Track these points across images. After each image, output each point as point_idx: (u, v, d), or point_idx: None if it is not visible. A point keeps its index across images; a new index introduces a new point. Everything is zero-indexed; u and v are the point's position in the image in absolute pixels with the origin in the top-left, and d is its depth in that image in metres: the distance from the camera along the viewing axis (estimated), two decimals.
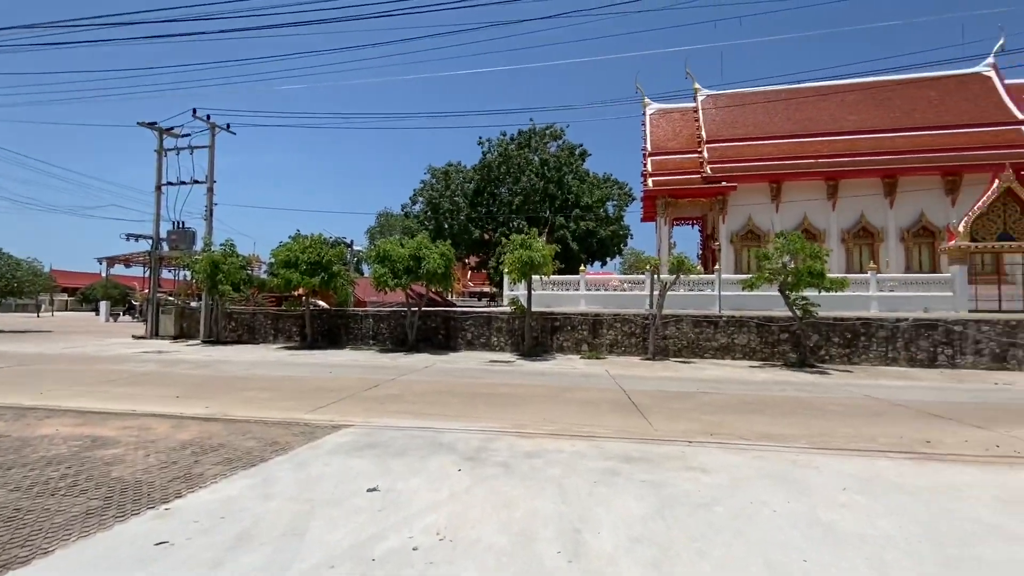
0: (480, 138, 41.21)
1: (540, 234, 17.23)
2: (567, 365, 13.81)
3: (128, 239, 21.23)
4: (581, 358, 15.81)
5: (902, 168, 24.97)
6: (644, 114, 32.09)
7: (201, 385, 9.54)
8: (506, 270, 15.85)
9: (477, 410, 7.50)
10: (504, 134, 40.97)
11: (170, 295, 24.73)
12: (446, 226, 39.99)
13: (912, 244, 25.58)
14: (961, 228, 18.74)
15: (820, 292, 13.81)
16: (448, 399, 8.34)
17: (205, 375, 10.93)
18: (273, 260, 18.28)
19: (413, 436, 5.72)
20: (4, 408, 7.05)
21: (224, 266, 18.05)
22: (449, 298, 38.52)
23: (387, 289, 17.11)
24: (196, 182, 20.39)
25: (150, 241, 21.08)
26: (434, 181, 43.48)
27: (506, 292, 23.02)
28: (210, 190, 20.20)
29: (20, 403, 7.40)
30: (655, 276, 16.13)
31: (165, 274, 25.97)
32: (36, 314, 43.28)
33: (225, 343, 19.05)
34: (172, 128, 20.96)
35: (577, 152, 41.07)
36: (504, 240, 16.99)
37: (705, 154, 27.85)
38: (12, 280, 24.45)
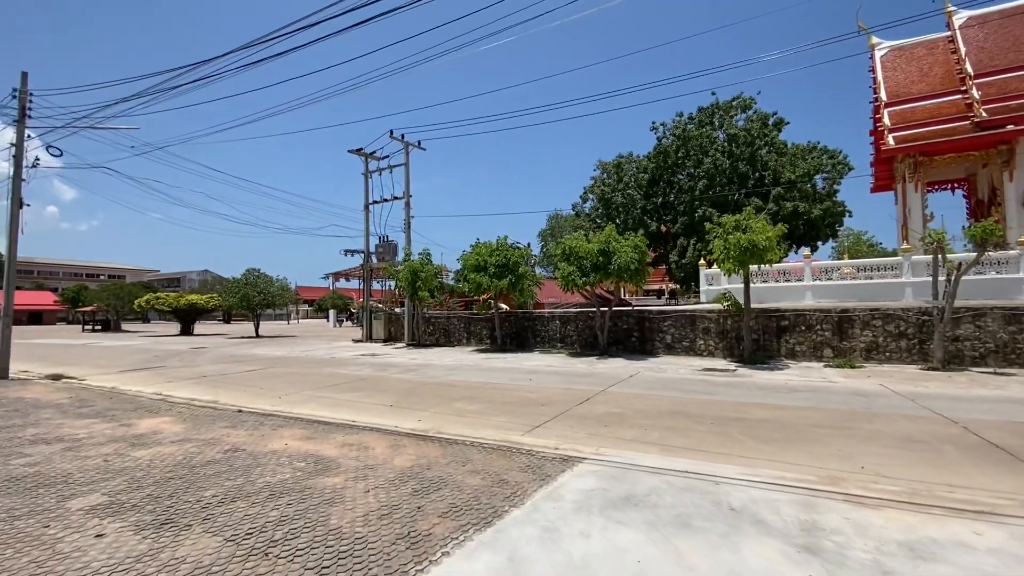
0: (654, 123, 38.08)
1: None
2: (815, 376, 10.75)
3: (346, 254, 24.01)
4: (825, 366, 12.41)
5: None
6: (872, 58, 25.59)
7: (411, 392, 9.34)
8: (718, 259, 13.24)
9: (742, 445, 5.53)
10: (681, 114, 37.23)
11: (379, 303, 27.53)
12: (618, 221, 37.69)
13: None
14: None
15: None
16: (688, 424, 6.50)
17: (413, 380, 10.91)
18: (462, 265, 18.56)
19: (680, 489, 4.07)
20: (250, 413, 7.42)
21: (422, 273, 18.92)
22: (624, 297, 36.22)
23: (575, 288, 15.92)
24: (396, 198, 22.04)
25: (363, 255, 23.47)
26: (605, 176, 41.65)
27: (705, 287, 20.06)
28: (407, 204, 21.61)
29: (263, 408, 7.80)
30: (942, 255, 11.79)
31: (375, 284, 29.11)
32: (287, 322, 53.47)
33: (425, 346, 20.04)
34: (374, 152, 23.07)
35: (771, 122, 35.17)
36: (709, 226, 14.38)
37: (975, 93, 20.86)
38: (268, 295, 29.92)
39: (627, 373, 11.46)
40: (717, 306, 14.71)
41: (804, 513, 3.54)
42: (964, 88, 21.34)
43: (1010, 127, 19.15)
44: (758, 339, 14.12)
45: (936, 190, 25.85)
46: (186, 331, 34.72)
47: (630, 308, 18.52)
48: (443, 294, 21.95)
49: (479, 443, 5.55)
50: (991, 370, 11.13)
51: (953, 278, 11.42)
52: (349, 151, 23.30)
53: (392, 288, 29.90)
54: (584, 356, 15.42)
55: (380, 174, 22.68)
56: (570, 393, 8.85)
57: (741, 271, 13.33)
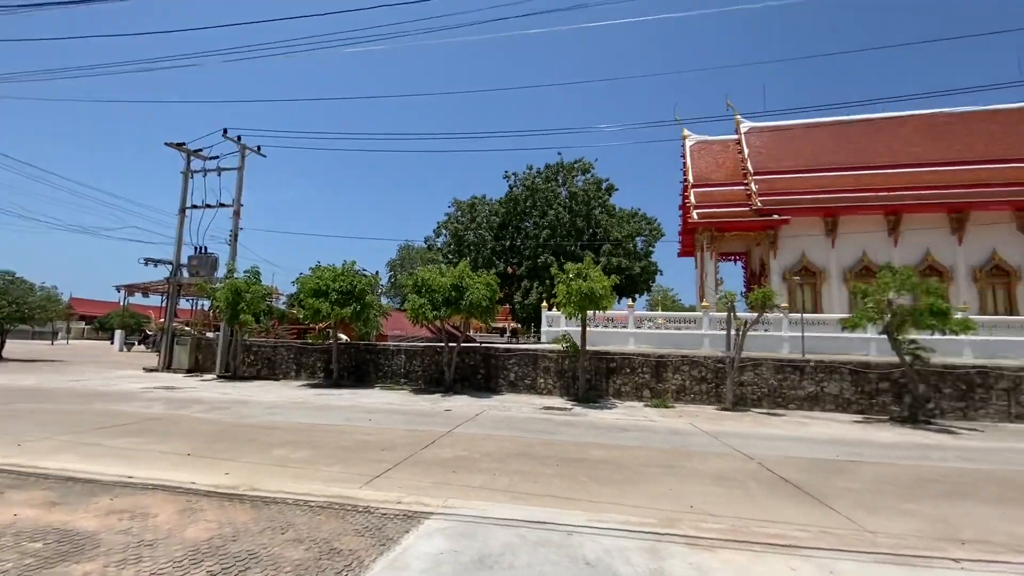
0: (506, 172, 40.47)
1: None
2: (639, 415, 11.78)
3: (147, 264, 19.96)
4: (646, 406, 13.76)
5: (971, 203, 23.12)
6: (684, 146, 30.80)
7: (219, 436, 7.73)
8: (560, 303, 14.04)
9: (586, 488, 5.56)
10: (531, 167, 40.11)
11: (187, 325, 23.26)
12: (469, 258, 38.51)
13: (986, 284, 23.38)
14: None
15: (943, 335, 11.77)
16: (536, 468, 6.40)
17: (223, 421, 9.12)
18: (299, 289, 16.74)
19: (534, 543, 3.81)
20: None
21: (247, 294, 16.54)
22: (469, 334, 36.78)
23: (425, 322, 15.40)
24: (222, 205, 19.20)
25: (169, 266, 19.75)
26: (459, 213, 42.53)
27: (545, 328, 21.15)
28: (237, 214, 18.96)
29: None
30: (732, 314, 14.17)
31: (183, 303, 24.63)
32: (51, 342, 42.17)
33: (243, 378, 17.31)
34: (200, 150, 19.99)
35: (604, 186, 39.87)
36: (554, 271, 15.27)
37: (753, 186, 26.24)
38: (23, 306, 23.18)
39: (473, 412, 11.19)
40: (557, 347, 15.49)
41: (652, 561, 3.54)
42: (746, 181, 26.74)
43: (776, 216, 24.39)
44: (591, 379, 15.14)
45: (725, 260, 31.62)
46: None
47: (477, 345, 18.54)
48: (271, 319, 19.45)
49: (305, 501, 4.66)
50: (766, 410, 13.47)
51: (741, 333, 13.74)
52: (168, 144, 19.84)
53: (205, 308, 25.68)
54: (429, 393, 14.81)
55: (205, 176, 19.66)
56: (415, 435, 8.22)
57: (580, 315, 14.30)
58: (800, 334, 16.58)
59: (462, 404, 12.54)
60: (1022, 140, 25.33)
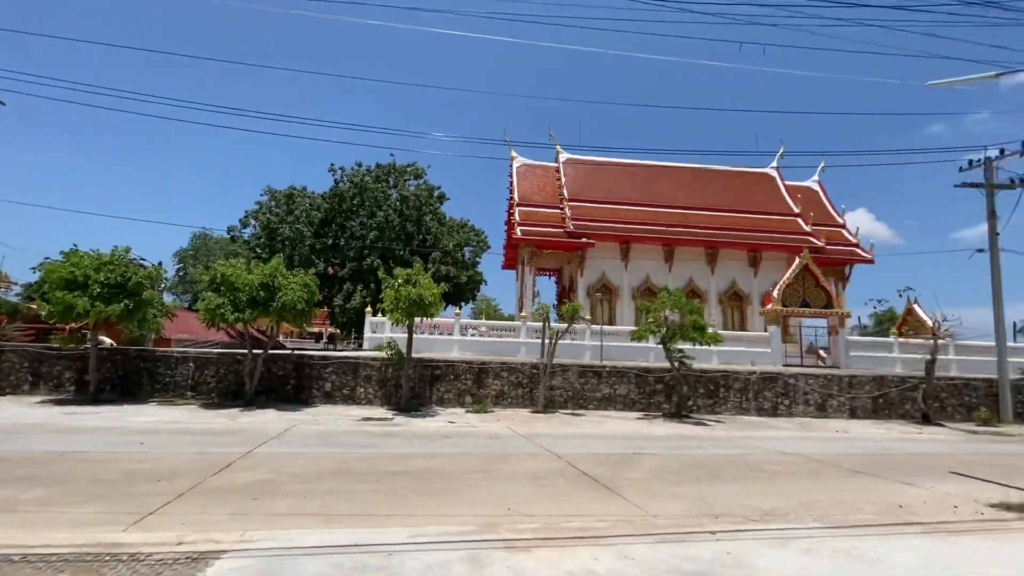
0: (332, 165, 38.00)
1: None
2: (461, 422, 11.99)
3: None
4: (467, 411, 14.10)
5: (719, 242, 29.31)
6: (511, 167, 32.80)
7: None
8: (388, 308, 13.58)
9: (407, 501, 5.40)
10: (360, 164, 38.33)
11: None
12: (284, 255, 35.03)
13: (727, 306, 29.80)
14: (775, 295, 22.26)
15: (697, 346, 14.57)
16: (352, 485, 5.99)
17: None
18: (43, 278, 13.08)
19: (351, 571, 3.53)
20: None
21: None
22: (279, 339, 33.36)
23: (224, 325, 13.39)
24: None
25: None
26: (273, 204, 38.43)
27: (369, 335, 20.27)
28: None
29: None
30: (547, 324, 15.45)
31: None
32: None
33: None
34: None
35: (436, 194, 40.23)
36: (382, 275, 14.76)
37: (567, 211, 29.22)
38: None
39: (280, 427, 10.05)
40: (380, 354, 14.95)
41: (474, 570, 3.59)
42: (562, 206, 29.65)
43: (584, 239, 27.49)
44: (414, 387, 14.94)
45: (541, 274, 34.47)
46: None
47: (289, 352, 16.81)
48: None
49: (40, 556, 3.57)
50: (571, 411, 14.97)
51: (553, 341, 15.08)
52: None
53: None
54: (225, 408, 12.85)
55: None
56: (204, 459, 7.00)
57: (407, 322, 14.05)
58: (599, 343, 18.92)
59: (267, 420, 11.18)
60: (755, 196, 33.11)
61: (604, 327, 20.14)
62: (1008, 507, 5.97)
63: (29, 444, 7.63)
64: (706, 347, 15.52)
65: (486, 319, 35.44)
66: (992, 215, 17.82)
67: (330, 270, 36.07)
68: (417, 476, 6.51)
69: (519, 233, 28.22)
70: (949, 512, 5.62)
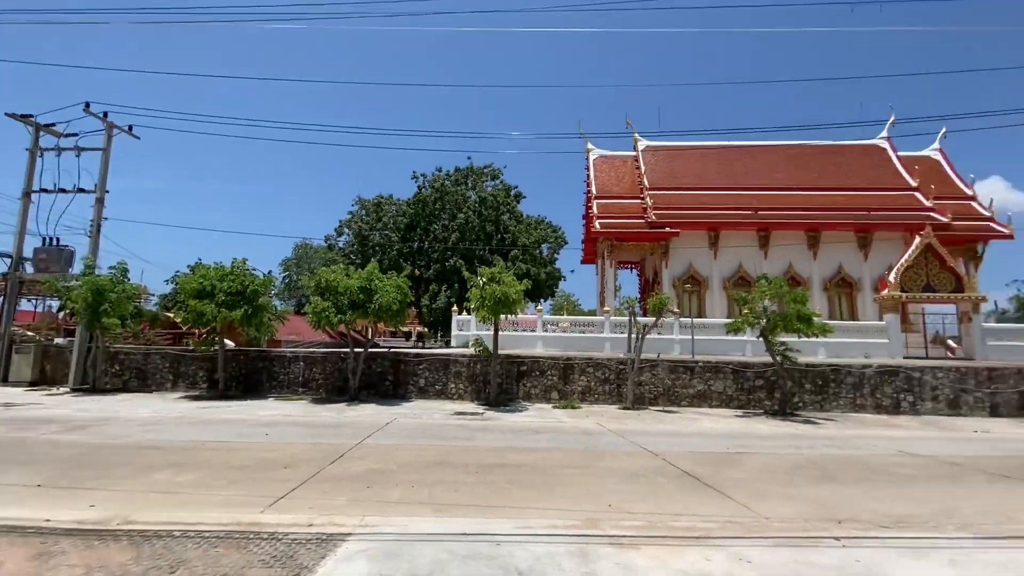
0: (415, 172, 39.73)
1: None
2: (549, 418, 12.05)
3: None
4: (555, 407, 14.13)
5: (822, 223, 26.81)
6: (588, 159, 32.30)
7: (79, 462, 6.57)
8: (473, 307, 13.98)
9: (509, 494, 5.53)
10: (440, 169, 39.69)
11: (29, 329, 19.67)
12: (375, 260, 37.16)
13: (834, 293, 27.20)
14: (892, 279, 19.99)
15: (802, 337, 13.48)
16: (455, 476, 6.24)
17: (85, 443, 7.79)
18: (178, 289, 14.92)
19: (464, 557, 3.68)
20: None
21: (112, 294, 14.38)
22: (372, 338, 35.45)
23: (328, 326, 14.50)
24: (81, 190, 16.53)
25: (10, 260, 16.59)
26: (364, 213, 40.90)
27: (456, 332, 20.95)
28: (100, 201, 16.41)
29: None
30: (633, 318, 15.07)
31: (25, 304, 20.82)
32: None
33: (105, 391, 14.99)
34: (53, 124, 17.07)
35: (513, 193, 40.62)
36: (467, 275, 15.21)
37: (648, 201, 28.21)
38: None
39: (383, 420, 10.71)
40: (468, 350, 15.40)
41: (583, 564, 3.59)
42: (643, 196, 28.71)
43: (668, 229, 26.42)
44: (502, 383, 15.23)
45: (622, 268, 33.65)
46: None
47: (385, 350, 17.84)
48: (141, 323, 17.11)
49: (197, 532, 4.09)
50: (661, 408, 14.49)
51: (640, 336, 14.66)
52: (10, 115, 16.69)
53: (53, 310, 21.94)
54: (331, 403, 13.92)
55: (60, 155, 16.81)
56: (319, 449, 7.64)
57: (492, 319, 14.36)
58: (690, 337, 18.10)
59: (369, 413, 11.96)
60: (863, 171, 29.97)
61: (694, 320, 19.23)
62: None
63: (175, 435, 8.76)
64: (811, 339, 14.37)
65: (567, 315, 35.27)
66: None
67: (416, 272, 37.76)
68: (515, 470, 6.63)
69: (598, 226, 27.71)
70: None
